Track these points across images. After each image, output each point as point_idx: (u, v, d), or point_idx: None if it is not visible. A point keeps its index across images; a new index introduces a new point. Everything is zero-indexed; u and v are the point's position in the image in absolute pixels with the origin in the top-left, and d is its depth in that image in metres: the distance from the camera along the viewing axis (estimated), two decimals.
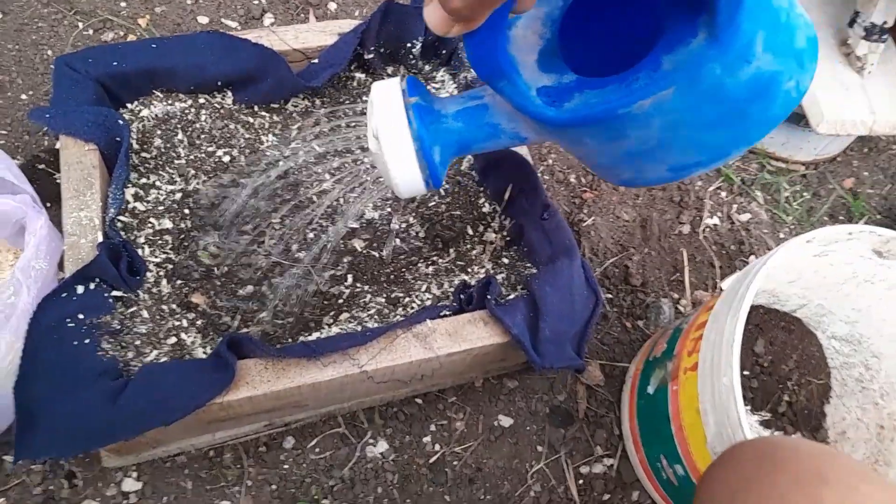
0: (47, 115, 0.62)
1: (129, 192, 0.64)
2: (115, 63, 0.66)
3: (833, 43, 0.95)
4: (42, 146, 0.81)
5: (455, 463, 0.72)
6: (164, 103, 0.70)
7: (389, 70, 0.78)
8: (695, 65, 0.35)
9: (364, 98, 0.76)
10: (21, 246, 0.67)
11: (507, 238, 0.69)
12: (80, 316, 0.54)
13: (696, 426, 0.59)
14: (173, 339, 0.58)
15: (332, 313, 0.64)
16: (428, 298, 0.64)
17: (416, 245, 0.70)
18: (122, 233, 0.61)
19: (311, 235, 0.68)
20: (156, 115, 0.69)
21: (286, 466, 0.69)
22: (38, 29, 0.90)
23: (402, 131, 0.42)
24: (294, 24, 0.76)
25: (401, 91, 0.44)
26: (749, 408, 0.71)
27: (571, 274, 0.62)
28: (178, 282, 0.63)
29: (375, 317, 0.62)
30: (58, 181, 0.77)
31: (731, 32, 0.34)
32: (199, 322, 0.61)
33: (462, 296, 0.62)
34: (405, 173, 0.44)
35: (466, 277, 0.66)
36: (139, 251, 0.62)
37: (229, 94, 0.72)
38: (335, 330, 0.61)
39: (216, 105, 0.72)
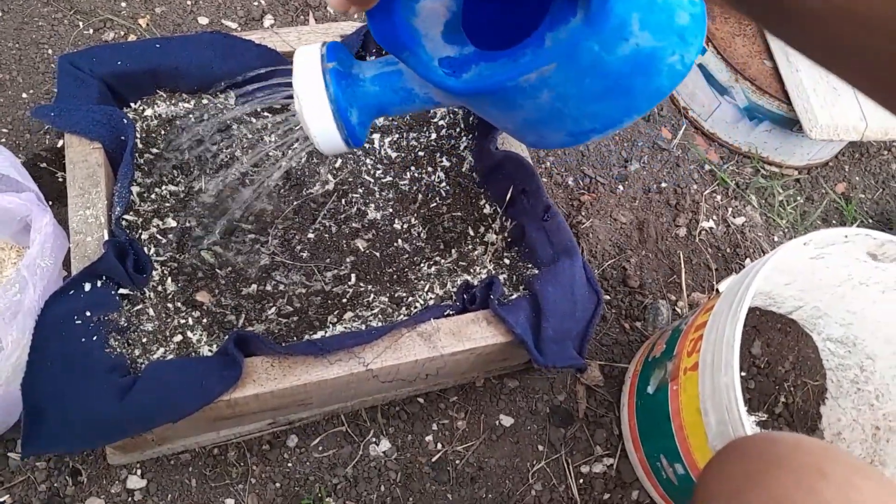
0: (52, 114, 0.61)
1: (134, 190, 0.65)
2: (119, 62, 0.66)
3: None
4: (44, 144, 0.81)
5: (457, 462, 0.72)
6: (168, 103, 0.70)
7: None
8: (573, 42, 0.38)
9: None
10: (25, 243, 0.67)
11: (508, 239, 0.70)
12: (88, 313, 0.54)
13: (696, 425, 0.60)
14: (179, 337, 0.58)
15: (336, 312, 0.64)
16: (431, 298, 0.65)
17: (418, 245, 0.70)
18: (128, 231, 0.61)
19: (311, 236, 0.69)
20: (159, 115, 0.69)
21: (290, 464, 0.69)
22: (38, 28, 0.90)
23: (318, 93, 0.46)
24: (296, 26, 0.77)
25: (320, 56, 0.47)
26: (746, 409, 0.72)
27: (573, 274, 0.63)
28: (183, 280, 0.63)
29: (379, 316, 0.63)
30: (60, 179, 0.77)
31: (603, 13, 0.36)
32: (204, 320, 0.61)
33: (465, 295, 0.63)
34: (323, 132, 0.47)
35: (468, 278, 0.67)
36: (144, 249, 0.62)
37: (232, 94, 0.73)
38: (340, 329, 0.62)
39: (219, 105, 0.72)
